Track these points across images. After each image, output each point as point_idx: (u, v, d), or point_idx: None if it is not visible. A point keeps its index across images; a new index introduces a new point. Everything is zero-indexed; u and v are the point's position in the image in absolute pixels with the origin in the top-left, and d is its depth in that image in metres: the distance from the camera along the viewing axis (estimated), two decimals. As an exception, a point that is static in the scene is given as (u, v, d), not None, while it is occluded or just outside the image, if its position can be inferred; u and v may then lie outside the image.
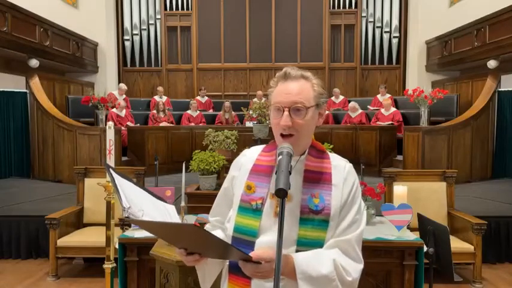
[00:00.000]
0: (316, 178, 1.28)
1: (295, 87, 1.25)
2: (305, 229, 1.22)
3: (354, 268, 1.23)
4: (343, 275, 1.20)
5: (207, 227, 1.44)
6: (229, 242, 1.28)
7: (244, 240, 1.25)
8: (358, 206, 1.28)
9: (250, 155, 1.39)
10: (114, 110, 7.54)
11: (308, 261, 1.18)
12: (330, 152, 1.42)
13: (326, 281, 1.18)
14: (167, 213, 1.37)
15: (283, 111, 1.24)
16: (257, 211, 1.26)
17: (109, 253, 2.18)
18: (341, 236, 1.24)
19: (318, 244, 1.22)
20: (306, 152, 1.32)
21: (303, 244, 1.22)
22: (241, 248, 1.17)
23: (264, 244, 1.23)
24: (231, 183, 1.38)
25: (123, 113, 7.81)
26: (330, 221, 1.23)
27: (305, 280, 1.16)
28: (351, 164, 1.35)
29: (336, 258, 1.20)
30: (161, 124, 7.83)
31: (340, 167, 1.31)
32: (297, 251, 1.21)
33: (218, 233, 1.38)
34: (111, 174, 1.31)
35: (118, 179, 1.30)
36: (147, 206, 1.25)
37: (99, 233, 3.74)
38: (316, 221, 1.23)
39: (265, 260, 1.12)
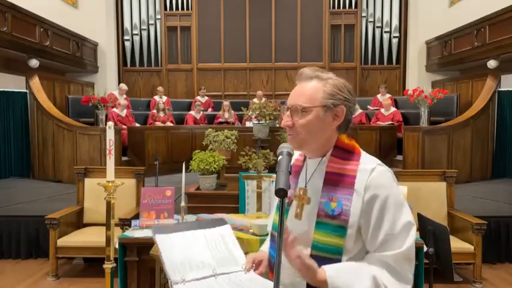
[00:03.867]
0: (337, 181, 1.19)
1: (300, 87, 1.24)
2: (320, 233, 1.17)
3: None
4: None
5: None
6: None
7: (275, 237, 1.27)
8: (400, 215, 1.15)
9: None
10: (114, 109, 7.54)
11: (341, 274, 1.10)
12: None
13: None
14: (222, 247, 1.41)
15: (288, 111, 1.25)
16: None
17: (109, 253, 2.17)
18: (383, 251, 1.13)
19: (335, 251, 1.15)
20: (329, 153, 1.25)
21: (318, 249, 1.16)
22: (271, 244, 1.33)
23: None
24: None
25: (123, 112, 7.81)
26: (348, 229, 1.15)
27: None
28: (383, 168, 1.19)
29: (376, 275, 1.10)
30: (160, 123, 7.83)
31: (365, 171, 1.18)
32: (311, 255, 1.16)
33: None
34: (155, 241, 1.33)
35: (163, 245, 1.31)
36: (195, 259, 1.32)
37: (99, 233, 3.74)
38: (331, 226, 1.15)
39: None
